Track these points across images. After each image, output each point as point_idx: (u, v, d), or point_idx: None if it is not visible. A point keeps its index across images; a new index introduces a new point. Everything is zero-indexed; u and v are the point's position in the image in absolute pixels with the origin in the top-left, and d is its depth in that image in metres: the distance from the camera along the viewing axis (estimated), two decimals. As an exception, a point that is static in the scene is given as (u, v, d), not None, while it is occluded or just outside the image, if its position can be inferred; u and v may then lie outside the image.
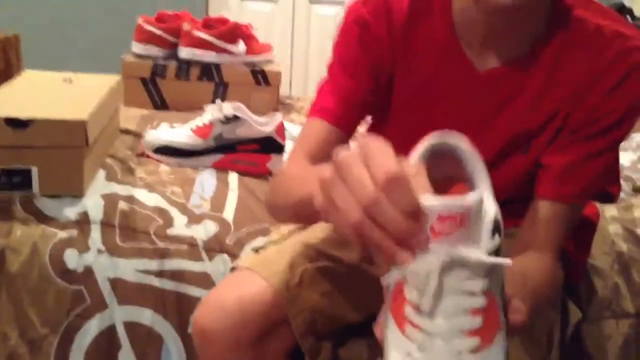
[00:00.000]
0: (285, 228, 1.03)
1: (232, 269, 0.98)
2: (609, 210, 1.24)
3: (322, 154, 0.85)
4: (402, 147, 0.52)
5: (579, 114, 0.80)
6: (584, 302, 1.10)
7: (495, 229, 0.49)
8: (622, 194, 1.30)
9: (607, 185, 0.87)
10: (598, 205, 1.20)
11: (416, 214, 0.46)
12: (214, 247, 1.12)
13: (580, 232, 1.03)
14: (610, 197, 0.88)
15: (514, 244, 0.84)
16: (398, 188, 0.45)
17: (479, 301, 0.48)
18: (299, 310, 0.89)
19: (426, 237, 0.47)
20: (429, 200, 0.46)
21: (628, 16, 2.21)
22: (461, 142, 0.53)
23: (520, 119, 0.83)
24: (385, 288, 0.53)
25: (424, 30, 0.85)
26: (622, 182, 1.33)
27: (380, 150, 0.47)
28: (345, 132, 0.88)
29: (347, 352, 1.03)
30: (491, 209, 0.50)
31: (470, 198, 0.47)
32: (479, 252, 0.48)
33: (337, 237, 0.98)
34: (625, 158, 1.45)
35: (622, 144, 1.48)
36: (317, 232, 1.00)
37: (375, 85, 0.87)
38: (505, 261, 0.49)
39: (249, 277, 0.90)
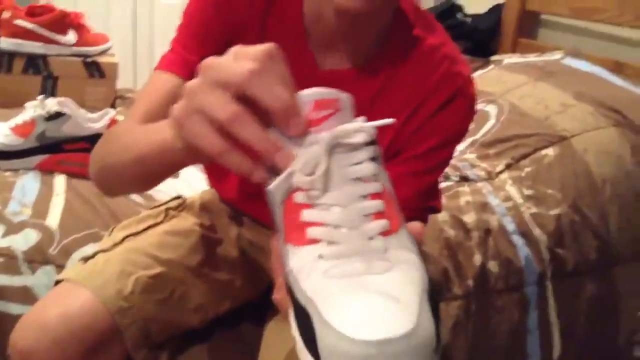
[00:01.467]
0: (118, 235, 0.96)
1: (57, 282, 0.90)
2: (438, 199, 1.32)
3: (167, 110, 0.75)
4: None
5: (406, 132, 0.82)
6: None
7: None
8: (449, 183, 1.39)
9: (430, 201, 0.89)
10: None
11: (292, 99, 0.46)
12: (36, 258, 1.03)
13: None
14: (433, 210, 0.91)
15: None
16: (269, 71, 0.46)
17: (374, 186, 0.47)
18: (131, 321, 0.84)
19: (306, 124, 0.46)
20: (303, 91, 0.46)
21: (459, 13, 2.35)
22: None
23: None
24: (274, 212, 0.49)
25: (279, 16, 0.81)
26: (450, 171, 1.42)
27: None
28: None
29: (186, 357, 1.00)
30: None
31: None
32: (359, 121, 0.48)
33: (175, 240, 0.95)
34: (454, 149, 1.54)
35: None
36: (152, 237, 0.95)
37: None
38: (389, 121, 0.49)
39: (74, 291, 0.83)
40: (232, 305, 0.99)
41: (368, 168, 0.47)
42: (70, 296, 0.83)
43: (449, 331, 1.15)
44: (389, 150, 0.82)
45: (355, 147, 0.47)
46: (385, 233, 0.46)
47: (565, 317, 1.23)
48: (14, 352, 0.81)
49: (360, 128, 0.47)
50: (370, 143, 0.48)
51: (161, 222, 0.98)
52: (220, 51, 0.80)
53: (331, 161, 0.46)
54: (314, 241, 0.46)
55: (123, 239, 0.93)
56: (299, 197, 0.47)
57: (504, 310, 1.19)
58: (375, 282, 0.43)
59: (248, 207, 1.01)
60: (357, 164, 0.47)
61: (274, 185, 0.48)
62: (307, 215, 0.46)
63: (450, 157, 0.85)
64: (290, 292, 0.47)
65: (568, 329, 1.23)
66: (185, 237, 0.96)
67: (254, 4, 0.80)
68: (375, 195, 0.47)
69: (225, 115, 0.46)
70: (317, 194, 0.46)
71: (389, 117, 0.79)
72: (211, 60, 0.48)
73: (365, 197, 0.47)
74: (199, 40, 0.80)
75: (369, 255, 0.44)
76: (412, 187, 0.82)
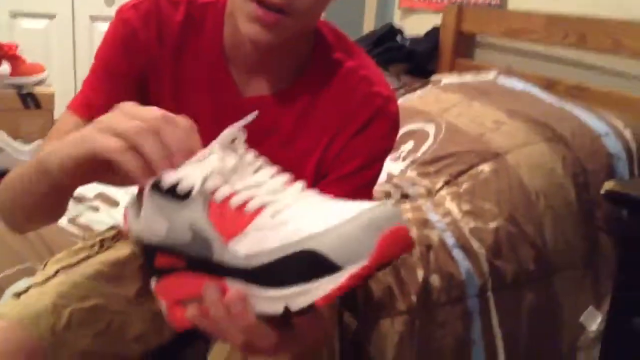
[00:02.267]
0: (51, 268, 0.93)
1: None
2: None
3: None
4: None
5: (329, 155, 0.83)
6: (361, 307, 1.16)
7: None
8: (392, 201, 1.41)
9: None
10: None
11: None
12: (-35, 294, 0.99)
13: None
14: None
15: None
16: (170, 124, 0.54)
17: (273, 168, 0.56)
18: (67, 356, 0.82)
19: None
20: None
21: (399, 36, 2.42)
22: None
23: (277, 153, 0.82)
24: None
25: (195, 48, 0.82)
26: (392, 189, 1.45)
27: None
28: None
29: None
30: None
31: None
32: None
33: (111, 270, 0.93)
34: (395, 167, 1.57)
35: (392, 155, 1.61)
36: (86, 269, 0.93)
37: (136, 94, 0.81)
38: (252, 115, 0.58)
39: (10, 327, 0.80)
40: (174, 334, 0.97)
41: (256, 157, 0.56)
42: (8, 333, 0.80)
43: (394, 347, 1.16)
44: (316, 173, 0.83)
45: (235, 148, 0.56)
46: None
47: (507, 327, 1.26)
48: None
49: (232, 131, 0.55)
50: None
51: (96, 253, 0.96)
52: (130, 89, 0.82)
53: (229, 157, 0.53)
54: (258, 211, 0.51)
55: (56, 272, 0.91)
56: (220, 194, 0.51)
57: (447, 323, 1.21)
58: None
59: None
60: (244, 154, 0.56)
61: (194, 197, 0.51)
62: (236, 200, 0.51)
63: (377, 174, 0.86)
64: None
65: (511, 338, 1.25)
66: (121, 267, 0.94)
67: (165, 43, 0.81)
68: (279, 172, 0.55)
69: (130, 127, 0.53)
70: (236, 180, 0.52)
71: (311, 140, 0.81)
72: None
73: (273, 176, 0.55)
74: (107, 80, 0.82)
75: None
76: None
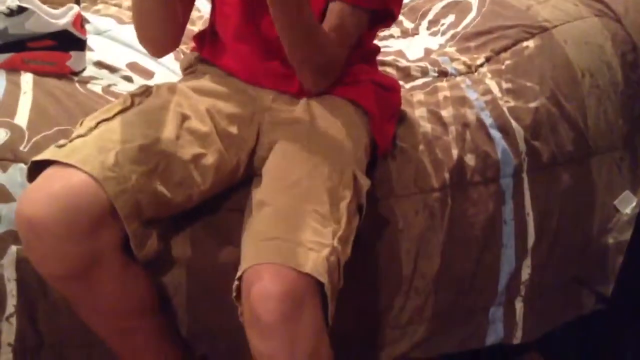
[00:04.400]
0: (91, 122, 0.95)
1: (31, 166, 0.90)
2: (416, 96, 1.30)
3: None
4: None
5: None
6: (394, 181, 1.16)
7: None
8: (427, 79, 1.37)
9: (390, 3, 1.05)
10: (405, 87, 1.26)
11: None
12: (7, 156, 1.01)
13: (384, 96, 1.14)
14: (390, 15, 1.08)
15: None
16: None
17: None
18: (120, 190, 0.86)
19: None
20: None
21: None
22: None
23: None
24: None
25: None
26: (428, 65, 1.40)
27: None
28: None
29: (172, 245, 1.03)
30: None
31: None
32: None
33: (148, 117, 0.96)
34: (433, 42, 1.51)
35: (430, 29, 1.54)
36: (124, 118, 0.95)
37: None
38: None
39: (65, 169, 0.85)
40: (213, 185, 1.00)
41: None
42: (66, 172, 0.85)
43: (424, 221, 1.17)
44: None
45: None
46: None
47: (539, 207, 1.25)
48: (22, 223, 0.83)
49: None
50: None
51: (130, 106, 0.98)
52: None
53: None
54: None
55: (97, 124, 0.93)
56: None
57: (479, 202, 1.21)
58: None
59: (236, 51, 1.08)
60: None
61: None
62: None
63: None
64: None
65: (542, 218, 1.25)
66: (157, 112, 0.97)
67: None
68: None
69: None
70: None
71: None
72: None
73: None
74: None
75: None
76: None
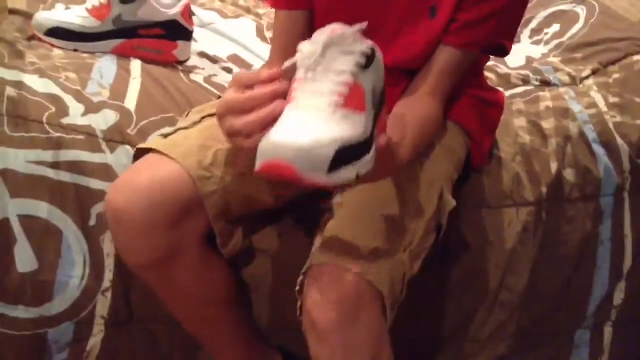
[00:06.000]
0: (195, 116, 0.98)
1: (136, 152, 0.94)
2: (516, 104, 1.26)
3: (290, 42, 0.88)
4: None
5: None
6: (487, 192, 1.14)
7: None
8: (529, 87, 1.33)
9: (504, 40, 0.98)
10: (505, 94, 1.22)
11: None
12: (115, 137, 1.06)
13: (487, 113, 1.08)
14: (502, 51, 1.00)
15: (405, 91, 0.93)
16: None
17: (346, 78, 0.65)
18: (212, 191, 0.87)
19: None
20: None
21: None
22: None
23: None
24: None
25: None
26: (530, 74, 1.35)
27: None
28: (304, 8, 0.95)
29: (258, 239, 1.04)
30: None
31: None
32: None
33: None
34: (536, 51, 1.46)
35: (534, 38, 1.50)
36: None
37: None
38: (361, 26, 0.67)
39: (161, 160, 0.87)
40: (300, 193, 0.99)
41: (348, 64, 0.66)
42: (158, 164, 0.87)
43: (516, 236, 1.13)
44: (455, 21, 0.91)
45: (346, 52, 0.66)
46: (339, 105, 0.65)
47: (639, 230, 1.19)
48: (109, 211, 0.87)
49: (346, 32, 0.67)
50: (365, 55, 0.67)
51: None
52: None
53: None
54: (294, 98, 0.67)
55: (201, 119, 0.95)
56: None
57: (576, 219, 1.16)
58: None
59: None
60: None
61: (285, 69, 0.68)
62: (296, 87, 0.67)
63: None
64: None
65: (641, 242, 1.19)
66: None
67: None
68: (345, 85, 0.65)
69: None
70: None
71: None
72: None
73: (337, 83, 0.65)
74: None
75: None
76: (490, 26, 0.91)
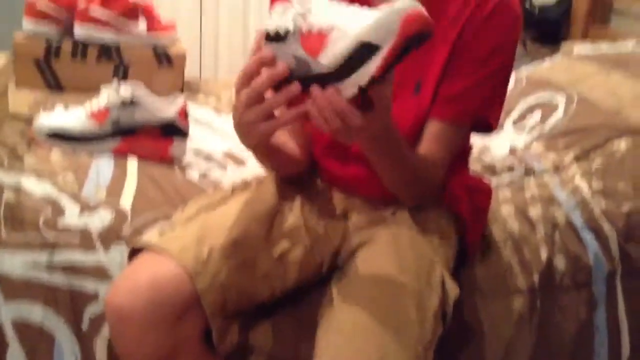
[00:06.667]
0: (191, 209, 1.01)
1: (132, 251, 0.95)
2: (502, 192, 1.29)
3: None
4: None
5: (460, 43, 0.94)
6: (479, 281, 1.14)
7: None
8: (514, 175, 1.36)
9: (489, 116, 1.02)
10: (492, 183, 1.25)
11: None
12: (110, 237, 1.07)
13: (477, 199, 1.10)
14: (488, 128, 1.04)
15: None
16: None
17: None
18: (209, 287, 0.88)
19: None
20: None
21: (527, 1, 2.29)
22: None
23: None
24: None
25: None
26: (515, 162, 1.39)
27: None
28: None
29: (253, 335, 1.03)
30: None
31: None
32: None
33: (246, 211, 0.98)
34: (519, 140, 1.51)
35: (518, 124, 1.55)
36: (223, 209, 0.99)
37: None
38: None
39: (157, 257, 0.88)
40: (297, 281, 1.00)
41: None
42: (157, 262, 0.88)
43: (512, 326, 1.13)
44: (446, 69, 0.95)
45: None
46: None
47: (635, 316, 1.18)
48: (110, 312, 0.87)
49: None
50: None
51: (230, 196, 1.03)
52: None
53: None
54: (329, 31, 0.72)
55: (197, 212, 0.98)
56: (304, 29, 0.73)
57: (569, 307, 1.16)
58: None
59: (324, 162, 1.08)
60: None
61: (289, 37, 0.73)
62: (315, 29, 0.73)
63: (511, 58, 0.97)
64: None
65: (638, 328, 1.18)
66: (253, 207, 0.99)
67: None
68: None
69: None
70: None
71: (442, 38, 0.94)
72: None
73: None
74: None
75: None
76: (476, 97, 0.96)
